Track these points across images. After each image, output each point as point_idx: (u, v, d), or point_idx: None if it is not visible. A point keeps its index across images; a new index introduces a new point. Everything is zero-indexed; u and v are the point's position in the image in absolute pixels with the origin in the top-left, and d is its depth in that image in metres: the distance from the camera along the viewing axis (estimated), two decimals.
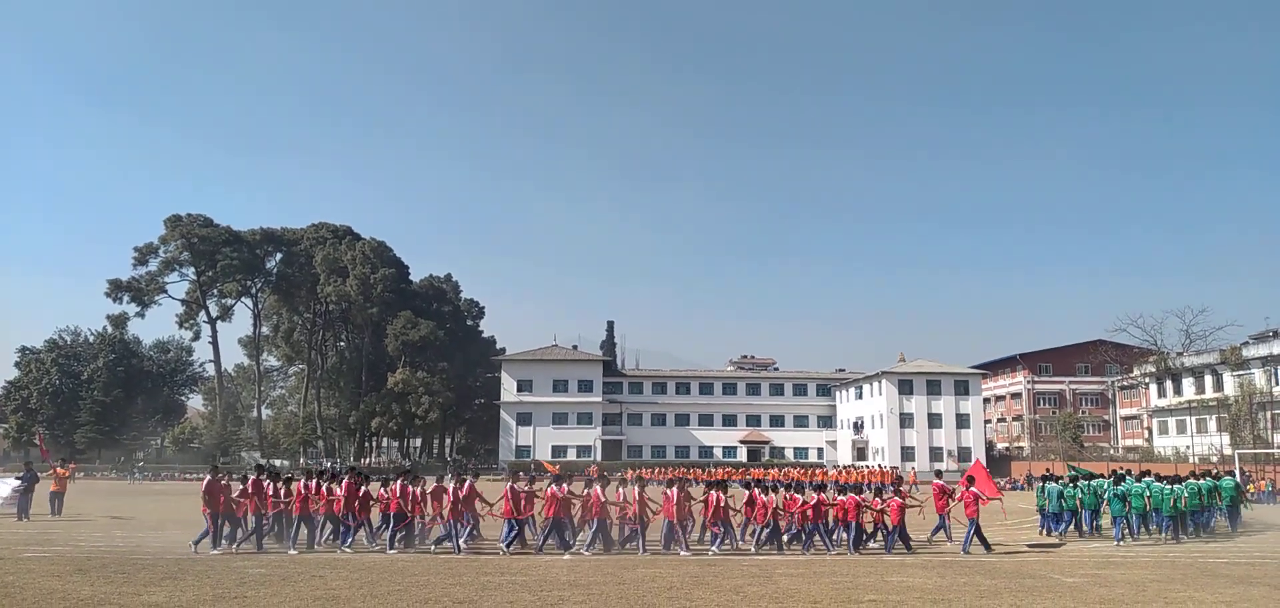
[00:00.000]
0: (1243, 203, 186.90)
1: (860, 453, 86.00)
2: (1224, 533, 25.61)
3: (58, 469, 31.20)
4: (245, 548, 18.89)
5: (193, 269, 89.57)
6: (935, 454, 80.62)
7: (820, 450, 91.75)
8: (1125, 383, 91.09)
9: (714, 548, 19.31)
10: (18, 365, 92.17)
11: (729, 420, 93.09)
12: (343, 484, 19.83)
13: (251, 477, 19.55)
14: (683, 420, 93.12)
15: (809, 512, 20.05)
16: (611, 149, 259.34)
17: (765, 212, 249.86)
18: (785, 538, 20.27)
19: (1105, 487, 24.70)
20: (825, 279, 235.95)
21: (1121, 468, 30.21)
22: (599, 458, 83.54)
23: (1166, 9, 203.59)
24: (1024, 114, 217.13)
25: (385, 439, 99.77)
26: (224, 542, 18.62)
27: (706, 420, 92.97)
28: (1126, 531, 23.40)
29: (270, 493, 19.42)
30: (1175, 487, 23.90)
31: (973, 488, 20.78)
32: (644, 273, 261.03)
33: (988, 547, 19.96)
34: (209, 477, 18.80)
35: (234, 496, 18.90)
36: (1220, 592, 14.44)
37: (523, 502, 19.27)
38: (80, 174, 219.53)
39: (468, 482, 19.69)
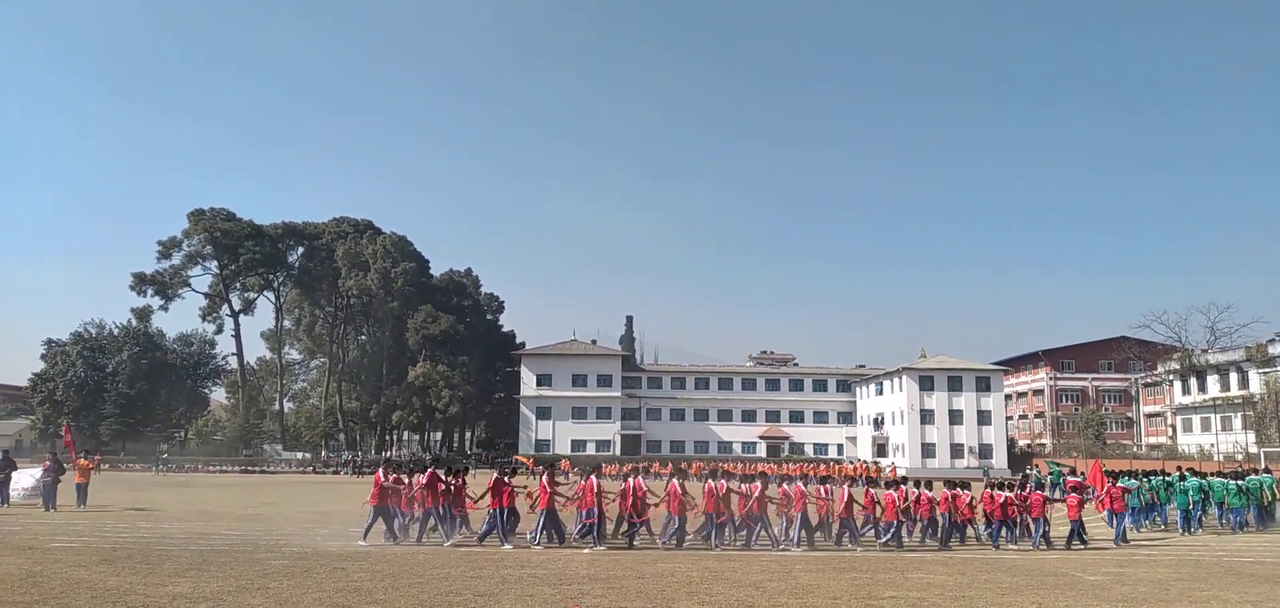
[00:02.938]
0: (1270, 200, 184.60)
1: (880, 449, 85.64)
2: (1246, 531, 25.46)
3: (82, 461, 31.57)
4: (406, 540, 19.29)
5: (216, 263, 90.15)
6: (956, 451, 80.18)
7: (840, 447, 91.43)
8: (1149, 380, 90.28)
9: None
10: (44, 358, 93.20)
11: (748, 416, 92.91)
12: (425, 477, 19.96)
13: (428, 470, 20.10)
14: (702, 416, 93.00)
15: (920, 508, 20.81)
16: (630, 145, 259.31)
17: (784, 208, 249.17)
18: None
19: (1175, 482, 26.06)
20: (845, 275, 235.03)
21: (1185, 467, 30.88)
22: (619, 453, 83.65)
23: (1189, 7, 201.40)
24: (1044, 110, 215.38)
25: (406, 432, 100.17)
26: (390, 534, 19.19)
27: (725, 416, 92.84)
28: (1191, 523, 24.89)
29: (441, 488, 19.69)
30: (1237, 482, 24.87)
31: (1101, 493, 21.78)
32: (663, 268, 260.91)
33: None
34: (379, 471, 19.51)
35: (401, 489, 19.59)
36: (1245, 591, 14.29)
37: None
38: (104, 168, 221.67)
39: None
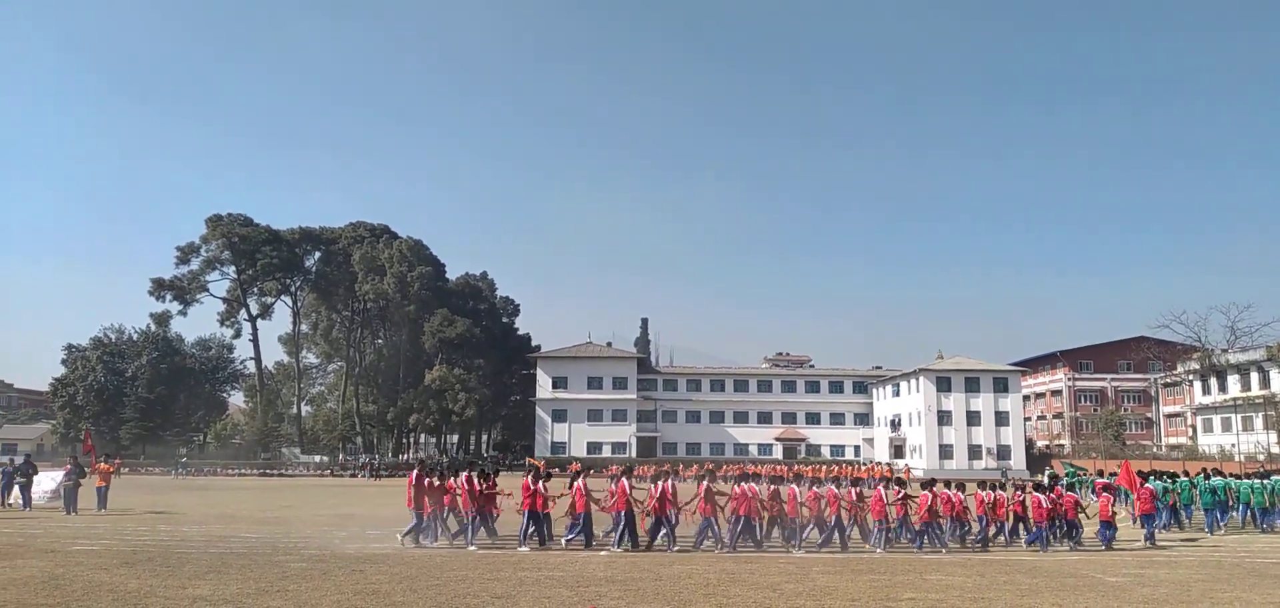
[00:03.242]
0: None
1: (897, 451, 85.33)
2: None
3: (102, 465, 31.80)
4: (458, 542, 19.35)
5: (233, 268, 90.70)
6: (974, 452, 79.80)
7: (857, 449, 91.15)
8: (1168, 380, 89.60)
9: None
10: (64, 362, 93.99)
11: (764, 418, 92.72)
12: (464, 479, 19.99)
13: (463, 473, 20.12)
14: (717, 418, 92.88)
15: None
16: (644, 146, 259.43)
17: (800, 209, 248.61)
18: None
19: (1199, 483, 25.90)
20: (861, 276, 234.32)
21: (1210, 467, 30.75)
22: (634, 455, 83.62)
23: (1210, 8, 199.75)
24: (1060, 107, 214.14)
25: (422, 435, 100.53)
26: (427, 536, 19.22)
27: (741, 418, 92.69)
28: (1216, 524, 24.84)
29: (480, 490, 19.72)
30: (1264, 482, 24.88)
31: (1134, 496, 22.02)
32: (678, 270, 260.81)
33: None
34: (416, 472, 19.54)
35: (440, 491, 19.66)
36: (1268, 593, 14.15)
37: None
38: (124, 173, 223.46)
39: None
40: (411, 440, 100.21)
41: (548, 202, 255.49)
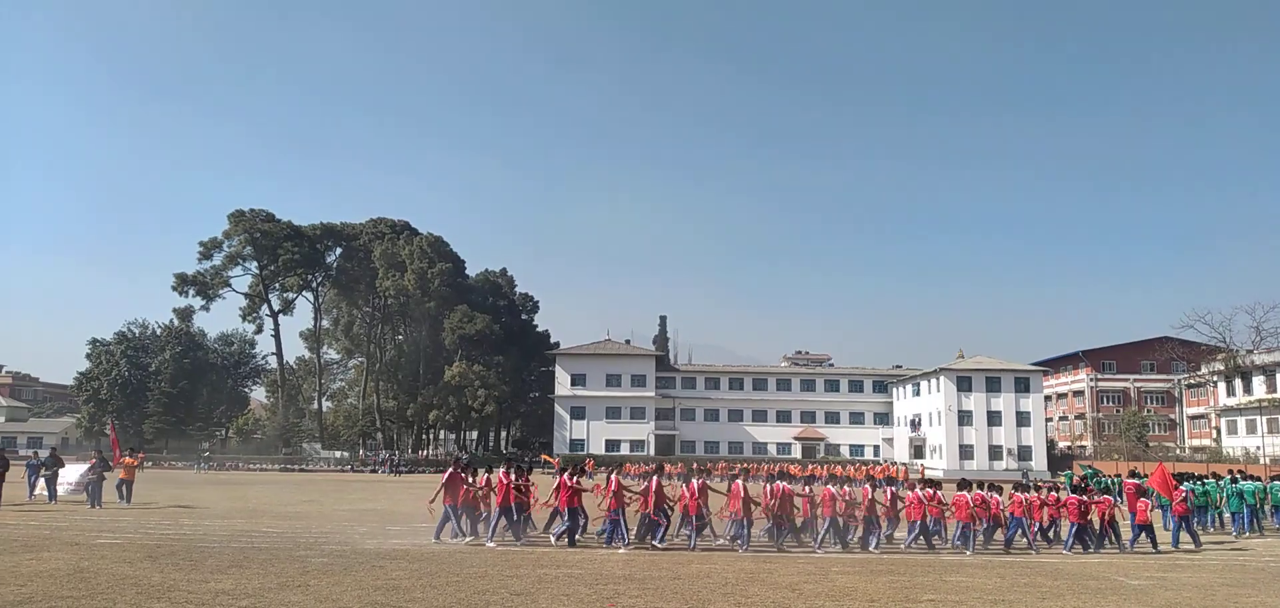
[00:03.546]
0: None
1: (917, 451, 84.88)
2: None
3: (126, 458, 32.12)
4: (503, 537, 19.34)
5: (255, 263, 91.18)
6: (995, 453, 79.26)
7: (876, 448, 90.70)
8: (1192, 381, 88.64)
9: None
10: (89, 357, 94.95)
11: (783, 417, 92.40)
12: (500, 475, 19.94)
13: (499, 469, 20.09)
14: (736, 416, 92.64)
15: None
16: (662, 151, 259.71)
17: (819, 211, 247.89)
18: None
19: (1225, 486, 26.25)
20: (881, 275, 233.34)
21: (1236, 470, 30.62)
22: (653, 452, 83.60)
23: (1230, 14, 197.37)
24: (1081, 115, 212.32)
25: (442, 431, 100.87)
26: (461, 533, 19.34)
27: (760, 416, 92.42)
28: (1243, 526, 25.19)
29: (514, 485, 19.69)
30: None
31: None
32: (696, 269, 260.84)
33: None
34: (451, 469, 19.66)
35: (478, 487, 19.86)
36: None
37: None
38: (144, 174, 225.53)
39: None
40: (431, 437, 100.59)
41: (567, 202, 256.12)
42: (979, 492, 20.56)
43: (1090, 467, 50.30)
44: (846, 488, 20.45)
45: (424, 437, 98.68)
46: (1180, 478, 24.94)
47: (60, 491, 29.93)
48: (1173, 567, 17.80)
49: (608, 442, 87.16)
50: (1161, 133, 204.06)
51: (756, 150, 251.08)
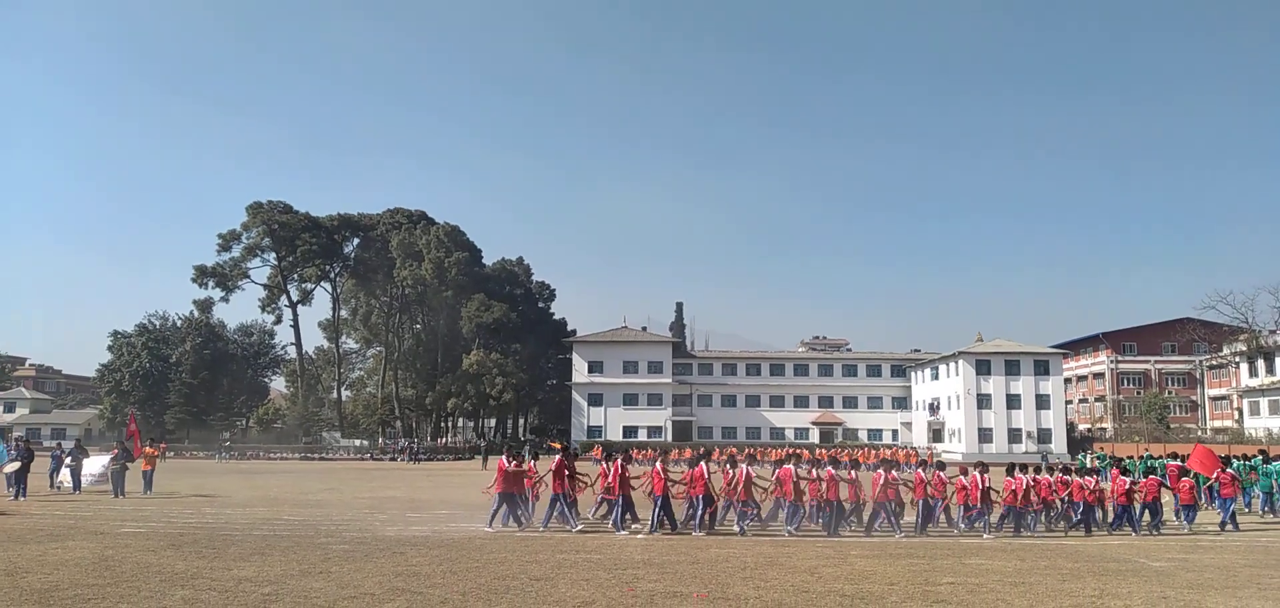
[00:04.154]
0: None
1: (936, 435, 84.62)
2: None
3: (148, 449, 32.40)
4: (556, 524, 19.28)
5: (274, 254, 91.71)
6: (1014, 436, 78.92)
7: (895, 432, 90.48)
8: (1214, 362, 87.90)
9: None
10: (110, 349, 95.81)
11: (801, 402, 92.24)
12: (554, 462, 19.96)
13: (556, 457, 20.10)
14: (753, 402, 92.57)
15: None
16: (678, 136, 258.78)
17: (836, 195, 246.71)
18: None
19: (1257, 465, 26.33)
20: (899, 259, 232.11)
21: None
22: (670, 439, 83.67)
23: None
24: (1101, 100, 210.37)
25: (460, 419, 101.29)
26: (514, 519, 19.31)
27: (778, 402, 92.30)
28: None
29: (569, 473, 19.68)
30: None
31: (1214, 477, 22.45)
32: (712, 254, 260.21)
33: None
34: (503, 457, 19.70)
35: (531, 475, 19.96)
36: None
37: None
38: (164, 168, 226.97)
39: (658, 463, 19.86)
40: (450, 424, 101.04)
41: (583, 192, 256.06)
42: (1019, 476, 20.49)
43: (1101, 451, 50.05)
44: (894, 472, 20.21)
45: (443, 425, 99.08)
46: (1227, 461, 24.63)
47: (84, 481, 30.24)
48: (1195, 548, 17.69)
49: (625, 428, 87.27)
50: (1183, 113, 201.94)
51: (771, 134, 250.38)
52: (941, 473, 21.04)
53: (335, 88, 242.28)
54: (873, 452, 67.91)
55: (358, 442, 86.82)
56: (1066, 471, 22.42)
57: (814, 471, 20.23)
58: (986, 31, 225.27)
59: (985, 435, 79.23)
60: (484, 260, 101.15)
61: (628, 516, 19.22)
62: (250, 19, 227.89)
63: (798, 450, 47.61)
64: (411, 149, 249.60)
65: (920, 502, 20.04)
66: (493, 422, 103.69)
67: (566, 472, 19.55)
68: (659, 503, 18.99)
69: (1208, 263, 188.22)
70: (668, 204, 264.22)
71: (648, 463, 20.63)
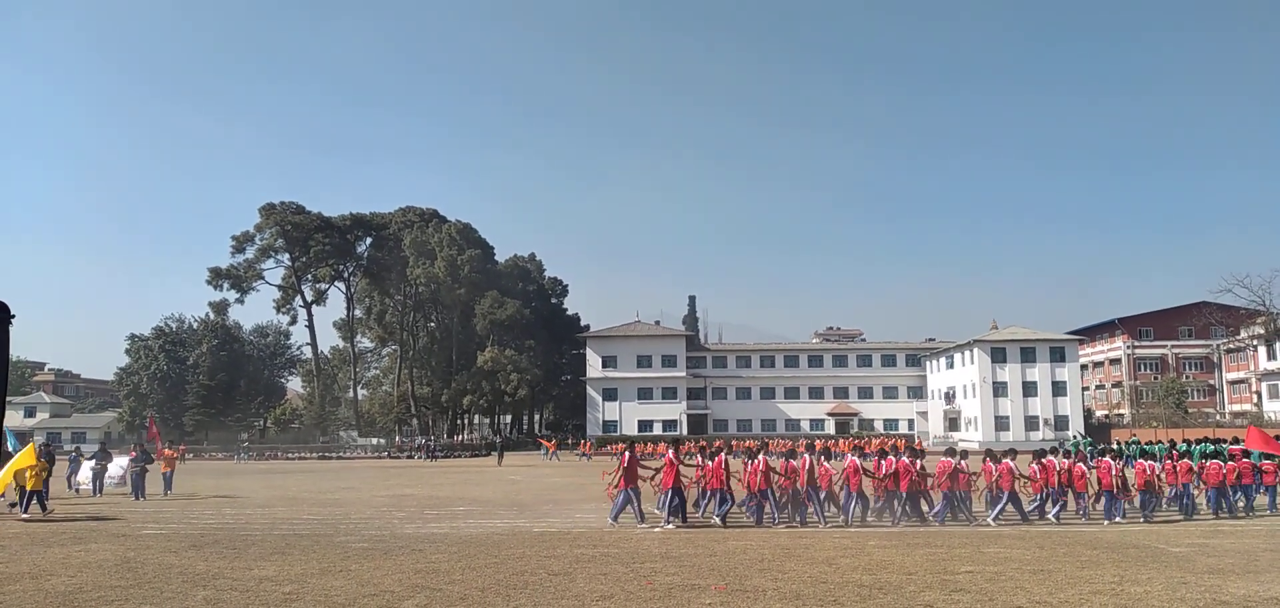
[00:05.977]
0: None
1: (952, 423, 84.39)
2: None
3: (166, 451, 32.64)
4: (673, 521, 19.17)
5: (287, 256, 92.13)
6: (1031, 424, 78.61)
7: (910, 422, 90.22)
8: (1231, 346, 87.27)
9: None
10: (128, 353, 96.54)
11: (815, 393, 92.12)
12: (671, 455, 19.82)
13: (670, 452, 19.94)
14: (768, 394, 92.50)
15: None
16: (689, 135, 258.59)
17: (845, 185, 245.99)
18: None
19: None
20: (913, 250, 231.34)
21: None
22: (685, 432, 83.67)
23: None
24: (1116, 93, 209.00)
25: (476, 416, 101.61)
26: (640, 514, 19.23)
27: (792, 393, 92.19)
28: None
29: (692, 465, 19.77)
30: None
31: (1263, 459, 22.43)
32: (724, 247, 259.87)
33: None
34: (627, 454, 19.53)
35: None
36: None
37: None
38: (177, 175, 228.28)
39: (720, 455, 19.78)
40: (465, 421, 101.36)
41: (595, 188, 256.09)
42: (1050, 459, 20.54)
43: (1087, 437, 49.83)
44: (958, 460, 20.14)
45: (459, 422, 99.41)
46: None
47: (106, 485, 30.49)
48: (1215, 533, 17.61)
49: (640, 422, 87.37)
50: (1200, 104, 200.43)
51: (781, 132, 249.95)
52: (1009, 461, 20.75)
53: (345, 92, 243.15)
54: (900, 441, 67.62)
55: (374, 440, 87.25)
56: (1147, 455, 22.66)
57: (878, 462, 20.17)
58: (998, 29, 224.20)
59: (1002, 423, 78.98)
60: (496, 257, 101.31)
61: (726, 507, 19.20)
62: (261, 25, 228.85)
63: (861, 442, 47.65)
64: (422, 151, 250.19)
65: (986, 491, 20.04)
66: (508, 418, 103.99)
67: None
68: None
69: (1225, 245, 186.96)
70: (678, 198, 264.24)
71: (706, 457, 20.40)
